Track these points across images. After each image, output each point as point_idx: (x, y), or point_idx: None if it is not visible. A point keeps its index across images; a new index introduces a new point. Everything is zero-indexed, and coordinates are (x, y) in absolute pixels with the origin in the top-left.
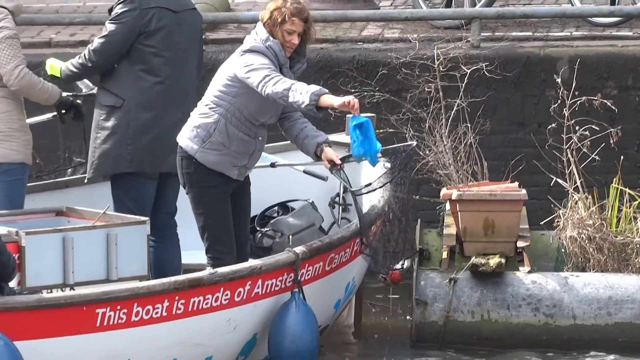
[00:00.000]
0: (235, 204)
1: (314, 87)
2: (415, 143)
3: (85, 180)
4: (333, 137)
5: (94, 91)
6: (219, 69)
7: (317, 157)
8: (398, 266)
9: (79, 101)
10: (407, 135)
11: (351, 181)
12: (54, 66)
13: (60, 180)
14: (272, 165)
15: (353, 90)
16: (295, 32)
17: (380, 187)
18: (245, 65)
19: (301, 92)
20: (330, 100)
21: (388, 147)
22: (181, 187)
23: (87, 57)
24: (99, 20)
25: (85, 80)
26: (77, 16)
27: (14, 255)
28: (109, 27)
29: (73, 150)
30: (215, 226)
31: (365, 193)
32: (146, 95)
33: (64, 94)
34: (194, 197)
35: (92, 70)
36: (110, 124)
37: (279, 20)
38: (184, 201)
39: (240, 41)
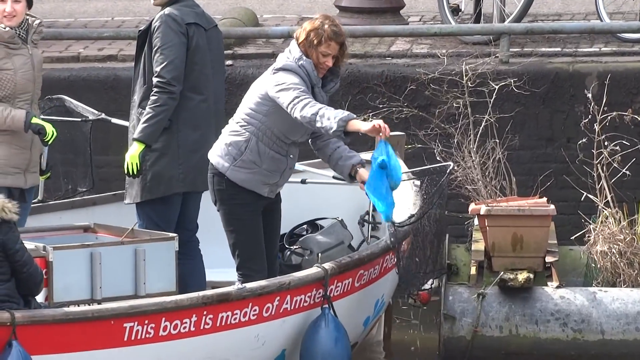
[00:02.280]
0: (266, 221)
1: (342, 113)
2: (452, 164)
3: (131, 200)
4: (363, 155)
5: (102, 116)
6: (251, 86)
7: (351, 178)
8: (427, 286)
9: (45, 126)
10: (435, 150)
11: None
12: (132, 156)
13: (88, 197)
14: (303, 182)
15: (381, 106)
16: (330, 55)
17: (423, 216)
18: (277, 84)
19: (329, 118)
20: (358, 125)
21: (425, 167)
22: (211, 205)
23: (165, 93)
24: (127, 35)
25: (87, 107)
26: (105, 31)
27: (41, 269)
28: (166, 52)
29: (72, 176)
30: (246, 243)
31: (408, 225)
32: (194, 114)
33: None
34: (225, 214)
35: (174, 103)
36: (159, 145)
37: (315, 42)
38: (210, 219)
39: (268, 56)
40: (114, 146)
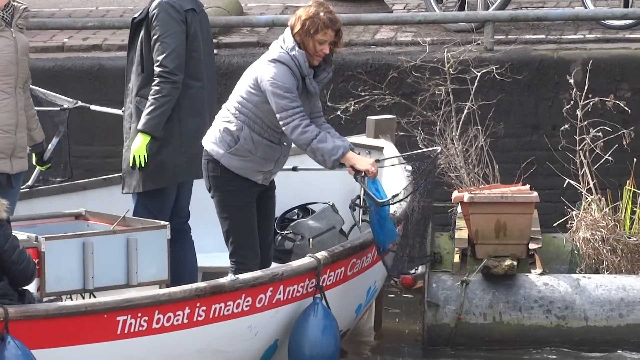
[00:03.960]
0: (260, 208)
1: (336, 151)
2: (440, 149)
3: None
4: (353, 139)
5: (79, 104)
6: (244, 73)
7: (341, 164)
8: (412, 271)
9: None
10: (418, 137)
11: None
12: (138, 148)
13: (79, 182)
14: (294, 169)
15: (364, 94)
16: (327, 42)
17: (406, 197)
18: (269, 81)
19: (322, 155)
20: (353, 161)
21: (412, 152)
22: (203, 189)
23: (168, 82)
24: (111, 24)
25: (61, 96)
26: (89, 20)
27: (34, 261)
28: (168, 41)
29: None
30: (239, 230)
31: (391, 204)
32: (194, 101)
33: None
34: (219, 201)
35: (177, 93)
36: (161, 134)
37: (312, 31)
38: (202, 204)
39: (253, 45)
40: (99, 136)
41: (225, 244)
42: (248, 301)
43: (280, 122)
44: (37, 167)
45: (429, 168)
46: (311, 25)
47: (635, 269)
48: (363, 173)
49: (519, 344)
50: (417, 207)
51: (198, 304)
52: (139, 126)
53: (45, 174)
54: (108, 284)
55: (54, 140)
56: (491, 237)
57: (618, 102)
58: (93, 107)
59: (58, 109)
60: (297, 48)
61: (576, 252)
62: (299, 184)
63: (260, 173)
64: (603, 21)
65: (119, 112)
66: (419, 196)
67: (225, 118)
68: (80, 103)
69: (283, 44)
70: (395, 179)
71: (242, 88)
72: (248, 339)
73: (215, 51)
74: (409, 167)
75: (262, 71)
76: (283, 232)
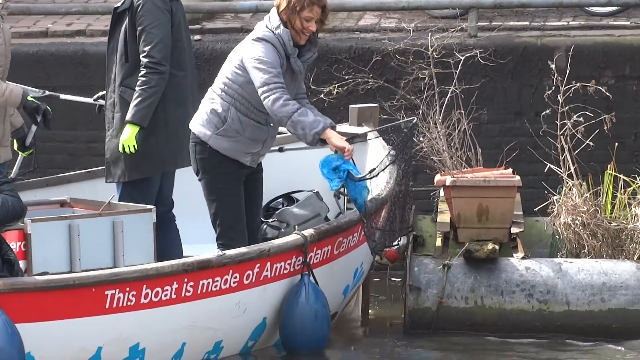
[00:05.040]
0: (248, 191)
1: (317, 125)
2: (416, 119)
3: (115, 180)
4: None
5: (47, 93)
6: (229, 55)
7: (322, 142)
8: (395, 244)
9: (45, 105)
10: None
11: (357, 165)
12: (127, 139)
13: (63, 175)
14: (280, 149)
15: (347, 77)
16: (314, 19)
17: (383, 169)
18: (253, 57)
19: (303, 128)
20: (332, 138)
21: (389, 124)
22: (188, 180)
23: (156, 73)
24: (95, 10)
25: (27, 87)
26: (73, 6)
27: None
28: (154, 31)
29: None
30: (227, 213)
31: (369, 179)
32: (178, 90)
33: (30, 97)
34: (207, 183)
35: (164, 83)
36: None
37: (298, 8)
38: (187, 194)
39: (237, 31)
40: (82, 121)
41: (213, 226)
42: (236, 277)
43: (262, 97)
44: (20, 154)
45: (405, 139)
46: (297, 3)
47: (616, 254)
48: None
49: (500, 328)
50: (396, 180)
51: (186, 279)
52: (127, 117)
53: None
54: (95, 267)
55: (33, 128)
56: (473, 221)
57: (599, 87)
58: (63, 96)
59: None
60: (282, 27)
61: (557, 236)
62: (284, 171)
63: (249, 154)
64: (587, 8)
65: (89, 100)
66: (397, 169)
67: (211, 100)
68: (47, 92)
69: (269, 22)
70: (377, 157)
71: (227, 69)
72: (236, 315)
73: (198, 37)
74: (387, 146)
75: (246, 50)
76: (268, 221)
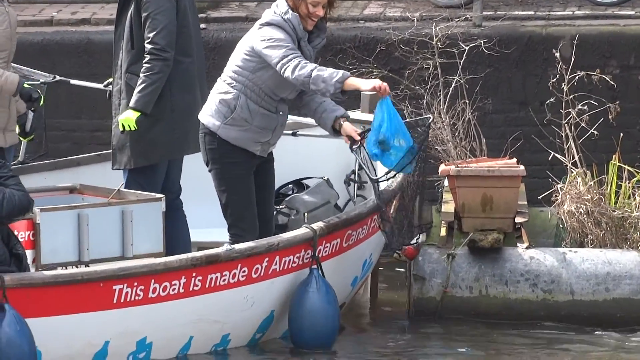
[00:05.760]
0: (260, 181)
1: (336, 74)
2: (431, 117)
3: (121, 167)
4: (353, 115)
5: (57, 79)
6: (238, 44)
7: (335, 132)
8: (413, 241)
9: (38, 92)
10: (405, 111)
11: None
12: (127, 119)
13: (72, 158)
14: (294, 134)
15: (352, 67)
16: (320, 4)
17: (400, 171)
18: (263, 40)
19: (324, 81)
20: (357, 84)
21: (406, 120)
22: (195, 165)
23: (160, 60)
24: None
25: (37, 71)
26: None
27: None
28: (159, 18)
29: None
30: (237, 203)
31: (386, 180)
32: (185, 76)
33: (27, 84)
34: (216, 173)
35: (169, 70)
36: (153, 110)
37: None
38: (194, 179)
39: (242, 20)
40: (87, 109)
41: (224, 216)
42: (244, 271)
43: (282, 72)
44: (21, 140)
45: (422, 137)
46: None
47: (619, 243)
48: (358, 144)
49: (504, 318)
50: (413, 178)
51: (194, 274)
52: (131, 104)
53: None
54: (103, 256)
55: (30, 114)
56: (478, 211)
57: (604, 76)
58: (73, 82)
59: (38, 82)
60: (290, 12)
61: (561, 225)
62: (294, 159)
63: (258, 144)
64: None
65: (100, 86)
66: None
67: (220, 89)
68: (58, 77)
69: (277, 8)
70: None
71: (237, 57)
72: (244, 309)
73: (203, 26)
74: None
75: (255, 35)
76: (278, 207)
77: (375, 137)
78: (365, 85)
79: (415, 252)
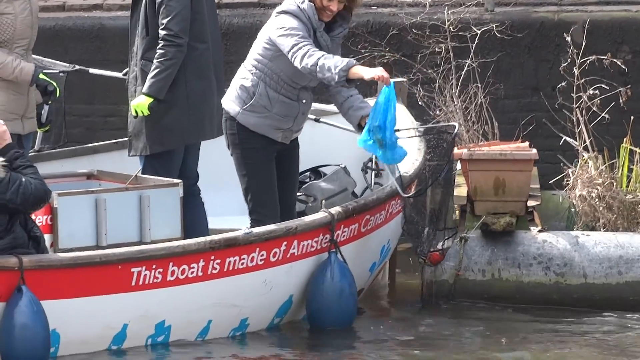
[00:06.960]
0: (283, 167)
1: (341, 62)
2: (457, 125)
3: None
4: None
5: (76, 68)
6: (260, 31)
7: (360, 128)
8: (439, 246)
9: (54, 84)
10: (417, 95)
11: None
12: (140, 104)
13: (89, 145)
14: (316, 120)
15: (364, 51)
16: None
17: (431, 185)
18: (278, 28)
19: (329, 69)
20: (360, 73)
21: (429, 125)
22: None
23: (173, 46)
24: None
25: (56, 61)
26: None
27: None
28: (173, 4)
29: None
30: (258, 188)
31: (417, 196)
32: (199, 63)
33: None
34: (237, 158)
35: (182, 56)
36: (168, 96)
37: None
38: (212, 167)
39: (254, 5)
40: (100, 95)
41: (245, 201)
42: (262, 255)
43: (293, 60)
44: (38, 130)
45: (449, 148)
46: None
47: (631, 227)
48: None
49: (517, 301)
50: (439, 185)
51: (212, 257)
52: (144, 89)
53: (43, 140)
54: (121, 241)
55: (45, 106)
56: (490, 194)
57: (615, 60)
58: (92, 71)
59: (57, 71)
60: (306, 1)
61: (573, 209)
62: (312, 146)
63: (279, 130)
64: None
65: (118, 74)
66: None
67: (242, 75)
68: (77, 67)
69: None
70: (412, 150)
71: (258, 44)
72: (263, 293)
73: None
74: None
75: (271, 23)
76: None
77: (369, 126)
78: (368, 74)
79: (440, 258)
